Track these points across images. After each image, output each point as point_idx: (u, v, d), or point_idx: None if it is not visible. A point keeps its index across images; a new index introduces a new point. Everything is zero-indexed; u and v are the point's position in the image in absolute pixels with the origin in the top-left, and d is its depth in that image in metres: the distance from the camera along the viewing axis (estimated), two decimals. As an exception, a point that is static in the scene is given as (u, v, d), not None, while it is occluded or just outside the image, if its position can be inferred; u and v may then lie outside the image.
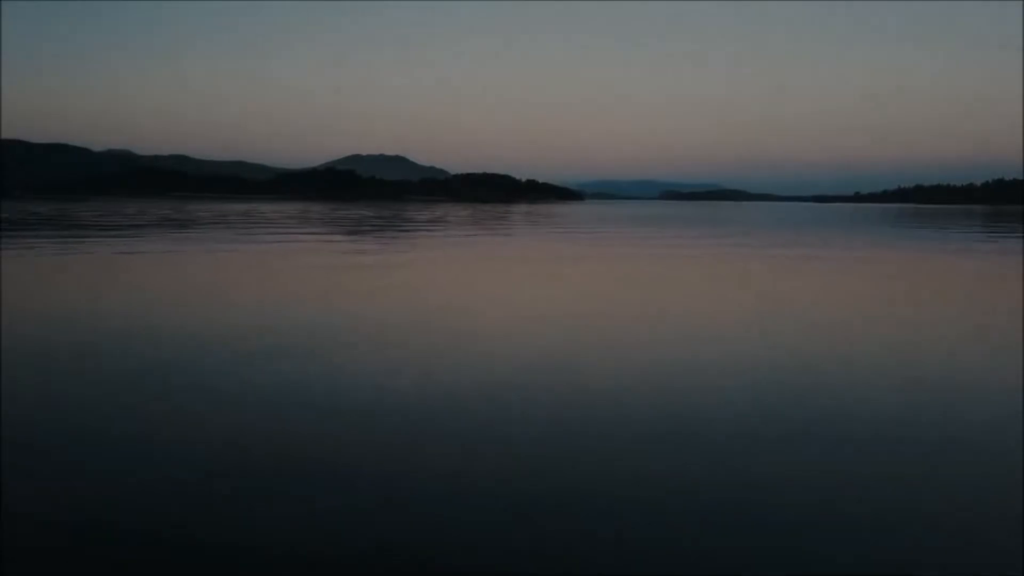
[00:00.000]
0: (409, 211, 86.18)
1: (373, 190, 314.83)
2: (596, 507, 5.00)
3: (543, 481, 5.42)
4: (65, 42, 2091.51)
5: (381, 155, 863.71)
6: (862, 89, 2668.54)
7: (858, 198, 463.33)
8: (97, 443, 6.15)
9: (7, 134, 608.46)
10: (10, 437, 6.15)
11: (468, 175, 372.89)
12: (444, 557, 4.37)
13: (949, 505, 5.25)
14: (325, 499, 5.16)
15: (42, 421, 6.67)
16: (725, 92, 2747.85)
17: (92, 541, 4.50)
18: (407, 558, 4.36)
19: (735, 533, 4.73)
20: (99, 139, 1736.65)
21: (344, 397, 7.56)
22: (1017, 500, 5.27)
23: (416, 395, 7.65)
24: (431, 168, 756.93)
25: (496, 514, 4.91)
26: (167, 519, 4.79)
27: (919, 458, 6.12)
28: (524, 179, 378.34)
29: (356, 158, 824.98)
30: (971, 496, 5.41)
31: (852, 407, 7.49)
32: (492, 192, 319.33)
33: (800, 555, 4.49)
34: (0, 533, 4.54)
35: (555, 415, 7.03)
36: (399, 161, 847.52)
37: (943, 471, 5.85)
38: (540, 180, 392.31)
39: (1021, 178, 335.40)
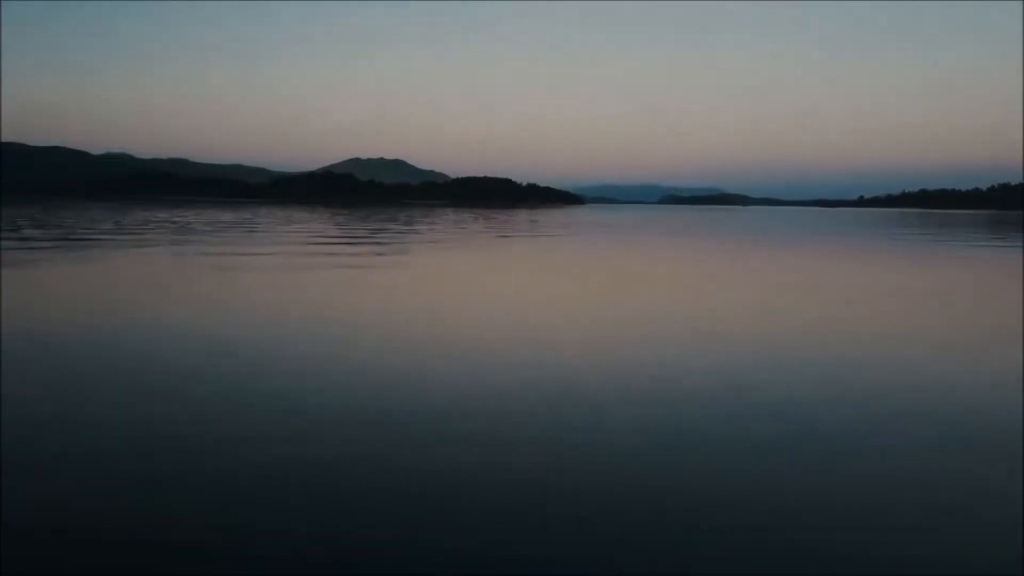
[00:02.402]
0: (403, 218, 73.46)
1: (372, 194, 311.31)
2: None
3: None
4: (64, 45, 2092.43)
5: (380, 158, 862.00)
6: (864, 91, 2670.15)
7: (862, 202, 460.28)
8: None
9: (6, 136, 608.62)
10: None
11: (468, 179, 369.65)
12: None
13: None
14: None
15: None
16: (725, 95, 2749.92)
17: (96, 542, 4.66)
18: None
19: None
20: (98, 142, 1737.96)
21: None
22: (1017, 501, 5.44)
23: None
24: (431, 172, 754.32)
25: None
26: (168, 518, 4.98)
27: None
28: (525, 183, 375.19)
29: (355, 161, 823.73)
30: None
31: None
32: (493, 196, 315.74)
33: (800, 555, 4.64)
34: (0, 532, 4.71)
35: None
36: (399, 164, 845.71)
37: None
38: (541, 184, 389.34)
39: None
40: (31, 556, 4.42)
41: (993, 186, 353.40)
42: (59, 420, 6.78)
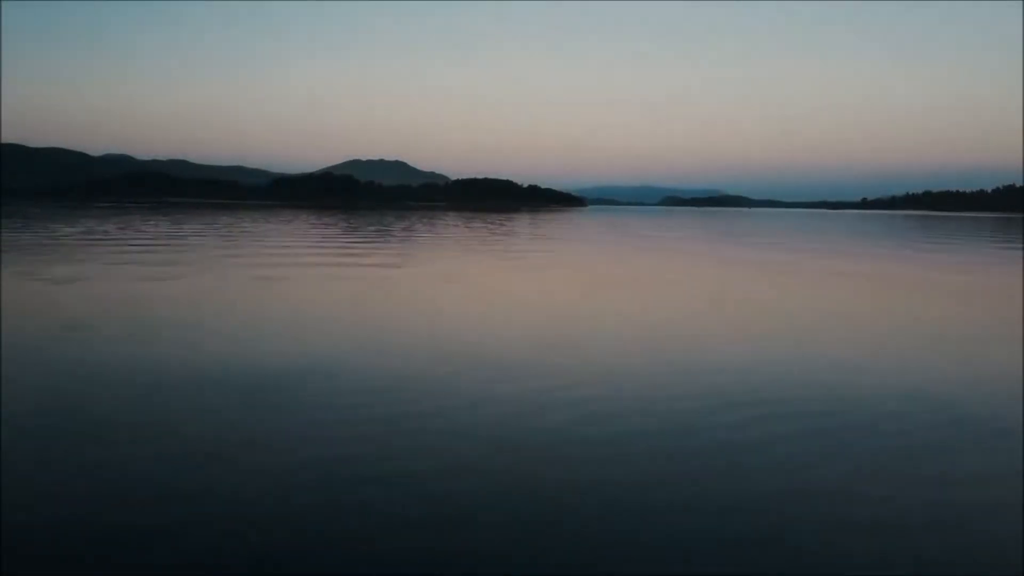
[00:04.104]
0: (400, 229, 60.47)
1: (371, 196, 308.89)
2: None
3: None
4: (64, 46, 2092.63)
5: (380, 160, 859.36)
6: (864, 91, 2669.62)
7: (865, 204, 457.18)
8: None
9: (5, 138, 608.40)
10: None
11: (468, 180, 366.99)
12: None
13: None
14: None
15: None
16: (725, 95, 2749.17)
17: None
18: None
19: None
20: (97, 143, 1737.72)
21: None
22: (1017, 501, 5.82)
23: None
24: (431, 173, 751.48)
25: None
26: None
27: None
28: (526, 184, 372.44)
29: (355, 163, 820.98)
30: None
31: None
32: (493, 198, 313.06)
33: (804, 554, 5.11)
34: None
35: None
36: (399, 166, 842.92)
37: None
38: (541, 186, 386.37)
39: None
40: (31, 556, 4.60)
41: (998, 188, 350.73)
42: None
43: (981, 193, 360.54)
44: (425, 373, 10.49)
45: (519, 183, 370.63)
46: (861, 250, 44.61)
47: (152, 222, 61.92)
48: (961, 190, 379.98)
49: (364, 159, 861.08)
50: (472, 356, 11.66)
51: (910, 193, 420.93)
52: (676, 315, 17.35)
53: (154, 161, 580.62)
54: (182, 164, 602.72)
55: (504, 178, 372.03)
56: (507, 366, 11.04)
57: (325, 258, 30.63)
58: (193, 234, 46.07)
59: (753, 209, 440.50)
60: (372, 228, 60.22)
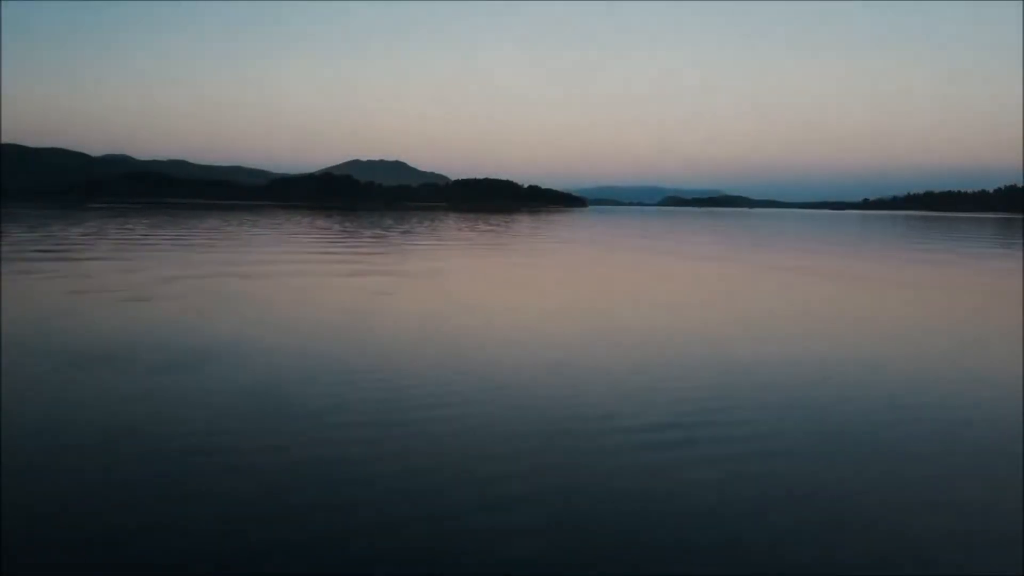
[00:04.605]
0: (396, 234, 54.12)
1: (370, 196, 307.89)
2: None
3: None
4: (64, 45, 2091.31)
5: (381, 160, 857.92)
6: (867, 92, 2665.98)
7: (867, 205, 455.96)
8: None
9: (5, 138, 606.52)
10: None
11: (469, 180, 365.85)
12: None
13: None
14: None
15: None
16: (726, 95, 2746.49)
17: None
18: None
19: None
20: (97, 143, 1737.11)
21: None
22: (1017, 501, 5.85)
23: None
24: (431, 173, 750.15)
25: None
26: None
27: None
28: (526, 185, 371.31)
29: (355, 163, 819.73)
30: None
31: None
32: (494, 198, 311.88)
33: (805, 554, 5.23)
34: (0, 533, 5.01)
35: None
36: (399, 166, 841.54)
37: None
38: (542, 186, 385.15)
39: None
40: (31, 556, 4.73)
41: (999, 188, 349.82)
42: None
43: (983, 193, 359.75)
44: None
45: (519, 183, 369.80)
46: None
47: (130, 226, 59.43)
48: (963, 190, 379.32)
49: (364, 159, 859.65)
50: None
51: (911, 193, 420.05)
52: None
53: (154, 161, 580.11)
54: (182, 164, 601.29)
55: (504, 178, 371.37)
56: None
57: (309, 278, 23.78)
58: (166, 240, 42.33)
59: (755, 210, 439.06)
60: (369, 233, 58.90)
